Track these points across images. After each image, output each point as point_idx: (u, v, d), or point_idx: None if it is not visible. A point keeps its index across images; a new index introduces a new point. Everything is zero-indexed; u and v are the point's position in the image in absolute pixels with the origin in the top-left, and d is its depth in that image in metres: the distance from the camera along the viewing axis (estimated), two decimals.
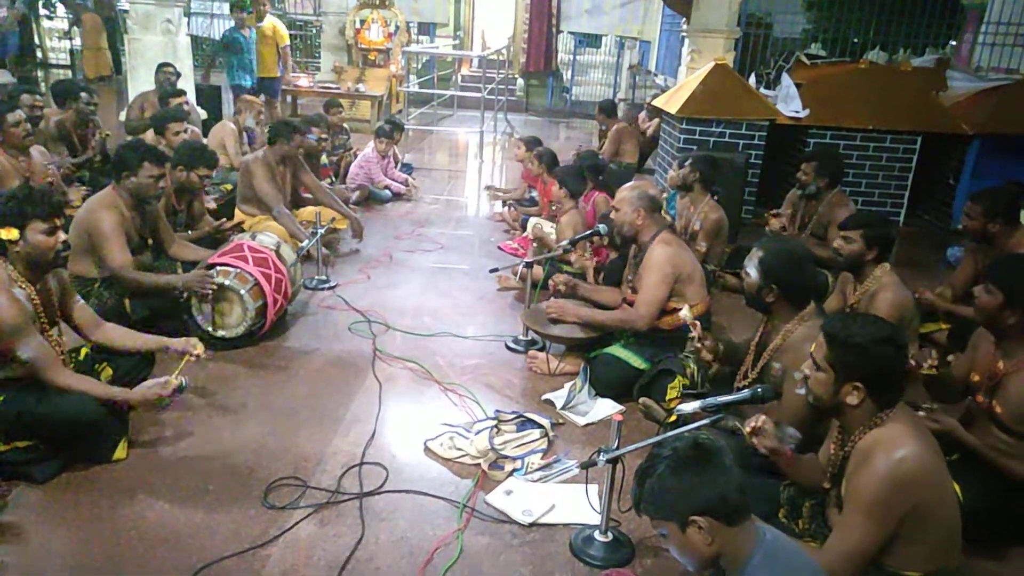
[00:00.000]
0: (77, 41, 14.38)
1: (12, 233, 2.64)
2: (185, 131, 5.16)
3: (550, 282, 4.00)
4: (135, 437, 2.93)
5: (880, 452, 1.93)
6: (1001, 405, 2.56)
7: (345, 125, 7.80)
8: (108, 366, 3.05)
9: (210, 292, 3.61)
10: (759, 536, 1.68)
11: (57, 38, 15.94)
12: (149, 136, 5.48)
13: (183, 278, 3.65)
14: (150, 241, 3.96)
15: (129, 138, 6.30)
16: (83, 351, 3.06)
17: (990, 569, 2.54)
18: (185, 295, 3.66)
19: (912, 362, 2.79)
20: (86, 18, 13.28)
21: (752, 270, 2.80)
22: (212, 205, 5.13)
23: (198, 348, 3.00)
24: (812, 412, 2.33)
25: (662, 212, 3.70)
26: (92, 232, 3.56)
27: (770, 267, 2.76)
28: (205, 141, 6.55)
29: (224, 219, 4.95)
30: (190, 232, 4.51)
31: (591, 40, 14.90)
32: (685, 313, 3.13)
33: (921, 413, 2.59)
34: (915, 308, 3.38)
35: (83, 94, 5.91)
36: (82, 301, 3.06)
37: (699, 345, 3.01)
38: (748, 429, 2.26)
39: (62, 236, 2.75)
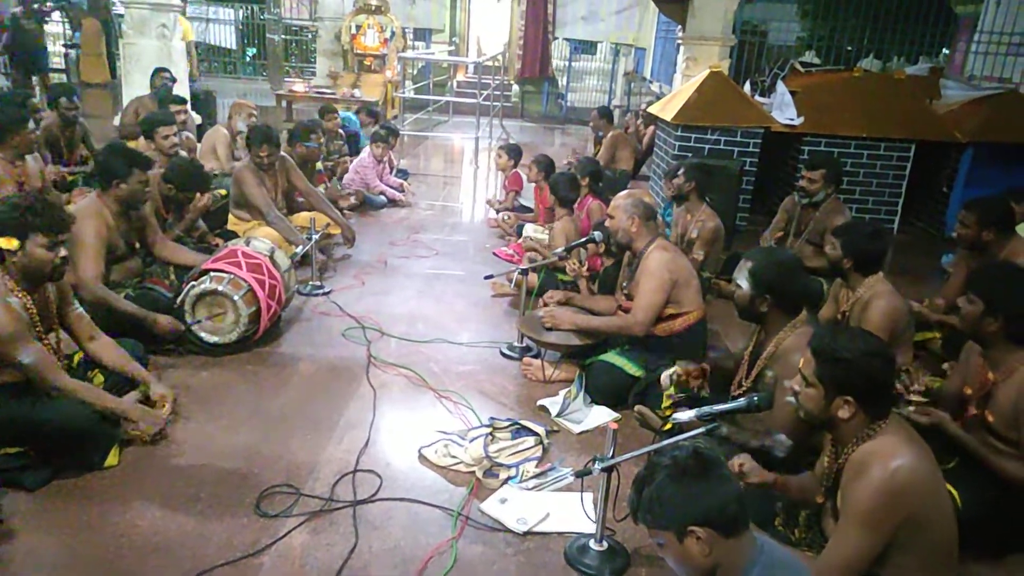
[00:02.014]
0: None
1: (12, 243, 2.63)
2: (176, 135, 5.12)
3: (541, 300, 4.00)
4: (127, 445, 2.91)
5: (875, 463, 1.93)
6: (993, 414, 2.57)
7: (340, 131, 7.79)
8: (100, 373, 3.04)
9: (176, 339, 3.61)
10: (757, 548, 1.67)
11: (53, 42, 15.90)
12: (141, 141, 5.47)
13: (153, 318, 3.53)
14: (138, 246, 3.94)
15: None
16: (76, 357, 3.04)
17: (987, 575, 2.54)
18: (179, 302, 3.65)
19: (899, 387, 2.79)
20: (86, 23, 13.26)
21: (743, 281, 2.79)
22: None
23: (165, 411, 3.02)
24: (804, 420, 2.33)
25: (657, 221, 3.70)
26: (72, 239, 3.52)
27: (761, 277, 2.76)
28: (199, 146, 6.56)
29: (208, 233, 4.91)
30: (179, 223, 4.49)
31: (586, 47, 14.96)
32: (665, 379, 3.12)
33: (911, 408, 2.60)
34: (910, 317, 3.39)
35: (62, 98, 5.90)
36: (80, 309, 3.05)
37: (693, 385, 3.02)
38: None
39: (62, 252, 2.74)
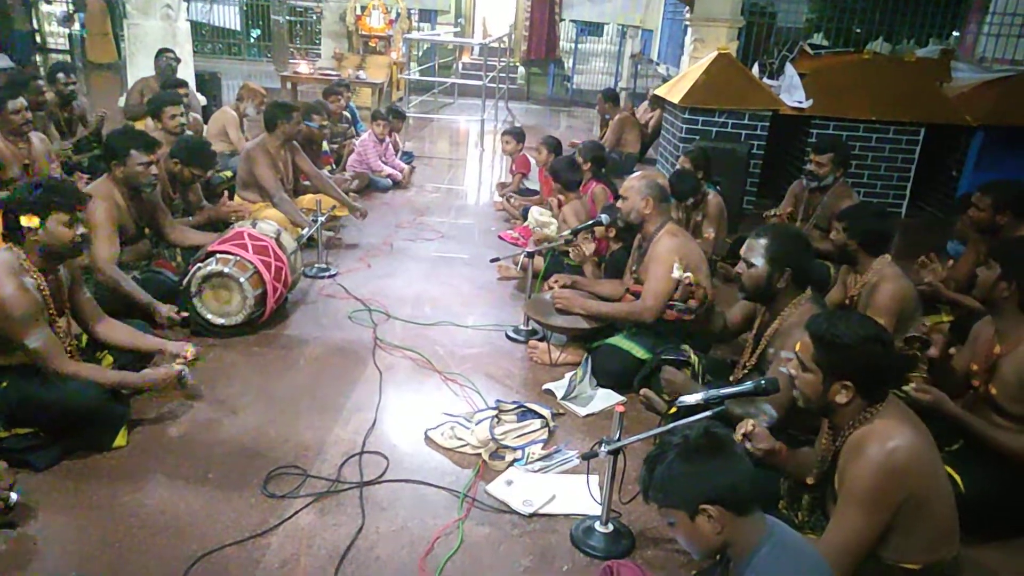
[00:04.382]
0: (76, 26, 14.30)
1: (33, 220, 2.65)
2: (182, 115, 5.10)
3: (546, 285, 4.00)
4: (135, 425, 2.93)
5: (872, 444, 1.93)
6: (996, 387, 2.58)
7: (345, 113, 7.75)
8: (108, 354, 3.05)
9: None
10: (767, 527, 1.67)
11: (57, 23, 15.84)
12: (148, 122, 5.45)
13: (155, 305, 3.51)
14: (147, 230, 3.93)
15: (126, 124, 6.29)
16: (84, 338, 3.05)
17: (992, 559, 2.54)
18: (184, 284, 3.66)
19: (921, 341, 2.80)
20: (91, 2, 13.20)
21: (758, 259, 2.76)
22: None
23: (188, 351, 3.02)
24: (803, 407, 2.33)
25: (670, 203, 3.69)
26: (86, 221, 3.52)
27: (779, 252, 2.74)
28: (206, 127, 6.53)
29: (224, 201, 4.94)
30: (191, 218, 4.49)
31: (593, 28, 14.84)
32: (678, 273, 3.13)
33: (912, 386, 2.60)
34: (917, 300, 3.38)
35: (60, 74, 5.88)
36: (89, 294, 3.06)
37: (692, 290, 3.05)
38: (739, 435, 2.28)
39: (81, 229, 2.76)
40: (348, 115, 7.80)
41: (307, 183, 5.43)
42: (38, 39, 14.91)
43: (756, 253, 2.78)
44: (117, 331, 3.06)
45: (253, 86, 6.75)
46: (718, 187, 5.12)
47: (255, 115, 6.50)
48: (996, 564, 2.53)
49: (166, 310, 3.52)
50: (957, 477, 2.47)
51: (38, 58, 13.75)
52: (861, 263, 3.39)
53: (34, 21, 14.64)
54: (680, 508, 1.69)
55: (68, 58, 13.70)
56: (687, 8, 9.10)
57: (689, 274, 3.14)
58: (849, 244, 3.36)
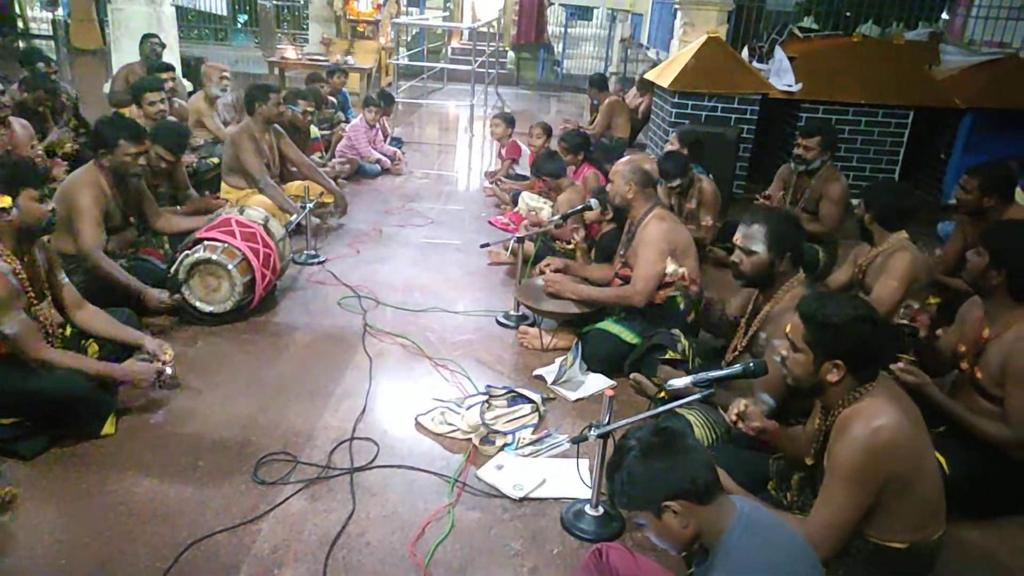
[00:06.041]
0: (60, 11, 14.10)
1: (6, 200, 2.61)
2: (162, 101, 5.04)
3: (537, 268, 3.99)
4: (124, 413, 2.92)
5: (858, 423, 1.95)
6: (982, 371, 2.61)
7: (331, 98, 7.68)
8: (94, 342, 3.02)
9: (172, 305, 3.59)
10: (735, 510, 1.68)
11: (40, 7, 15.61)
12: (133, 109, 5.39)
13: (146, 291, 3.51)
14: (132, 219, 3.90)
15: (112, 111, 6.21)
16: (68, 328, 3.02)
17: (975, 539, 2.57)
18: (172, 272, 3.64)
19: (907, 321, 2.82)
20: None
21: (759, 246, 2.72)
22: (190, 158, 5.13)
23: (167, 354, 2.98)
24: (792, 385, 2.34)
25: (656, 189, 3.69)
26: (70, 207, 3.49)
27: (780, 237, 2.72)
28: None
29: (216, 193, 4.91)
30: (179, 208, 4.45)
31: (582, 12, 14.77)
32: (672, 270, 3.13)
33: (900, 365, 2.61)
34: (928, 276, 3.42)
35: (39, 63, 5.80)
36: (67, 279, 3.02)
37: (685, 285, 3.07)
38: (732, 417, 2.28)
39: (50, 204, 2.74)
40: (335, 100, 7.74)
41: (294, 170, 5.39)
42: (20, 24, 14.71)
43: (756, 240, 2.74)
44: (97, 320, 3.03)
45: (213, 64, 6.42)
46: (710, 175, 5.11)
47: (220, 92, 6.30)
48: (980, 543, 2.56)
49: (157, 294, 3.50)
50: (942, 459, 2.49)
51: (20, 44, 13.59)
52: (877, 238, 3.41)
53: (16, 5, 14.45)
54: (645, 509, 1.71)
55: (52, 43, 13.51)
56: None
57: (684, 270, 3.13)
58: (866, 217, 3.40)
